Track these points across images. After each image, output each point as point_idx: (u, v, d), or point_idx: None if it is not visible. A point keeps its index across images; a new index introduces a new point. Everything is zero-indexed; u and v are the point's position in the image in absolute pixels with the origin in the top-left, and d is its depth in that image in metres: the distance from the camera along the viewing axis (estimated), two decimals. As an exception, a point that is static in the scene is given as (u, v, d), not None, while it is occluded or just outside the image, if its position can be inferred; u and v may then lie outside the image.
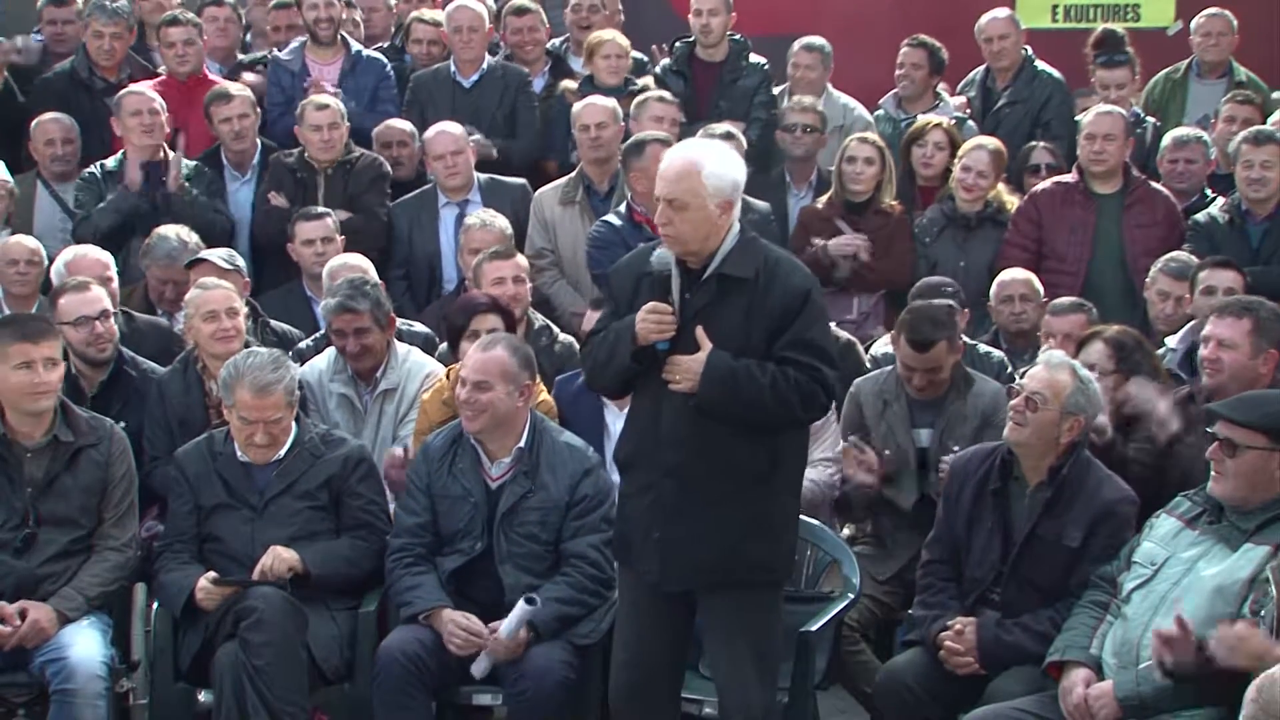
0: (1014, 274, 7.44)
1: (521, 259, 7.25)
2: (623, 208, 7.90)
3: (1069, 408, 5.48)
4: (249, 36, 9.86)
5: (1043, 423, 5.48)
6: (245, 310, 6.75)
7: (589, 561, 5.79)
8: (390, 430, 6.69)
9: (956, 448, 6.22)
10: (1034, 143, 8.76)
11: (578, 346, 7.09)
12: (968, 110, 9.29)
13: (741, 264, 5.10)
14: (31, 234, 8.00)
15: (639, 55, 9.49)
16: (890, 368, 6.69)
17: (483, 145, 8.75)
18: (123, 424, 6.26)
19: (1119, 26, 9.84)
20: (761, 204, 8.11)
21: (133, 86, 8.56)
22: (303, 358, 6.81)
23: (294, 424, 6.01)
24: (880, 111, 9.39)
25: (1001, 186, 8.28)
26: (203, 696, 5.77)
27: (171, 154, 8.23)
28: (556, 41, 9.85)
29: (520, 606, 5.59)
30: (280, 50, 9.31)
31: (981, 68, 9.50)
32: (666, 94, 8.63)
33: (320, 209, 7.96)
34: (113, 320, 6.67)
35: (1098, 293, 7.59)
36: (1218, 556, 5.00)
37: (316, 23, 9.12)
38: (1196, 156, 8.33)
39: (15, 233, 7.88)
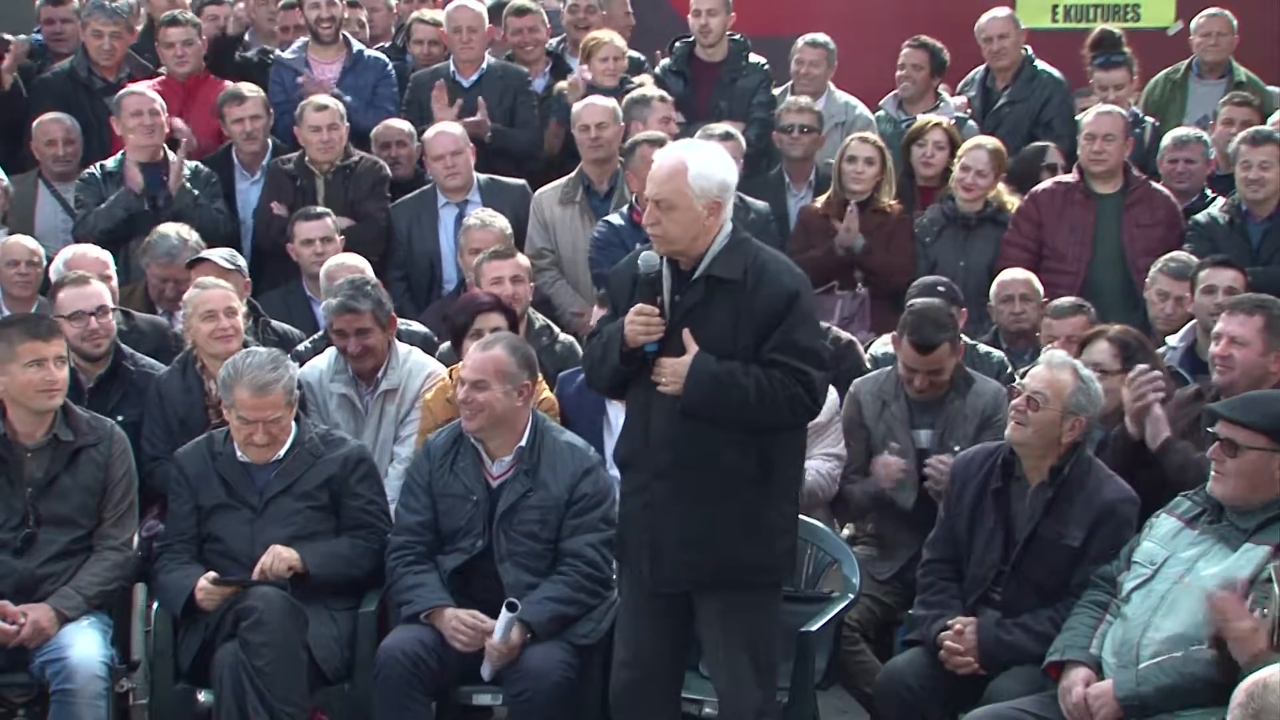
0: (1014, 274, 7.44)
1: (522, 258, 7.26)
2: (625, 208, 7.91)
3: (1070, 407, 5.48)
4: (249, 35, 9.85)
5: (1044, 422, 5.47)
6: (244, 310, 6.75)
7: (586, 560, 5.78)
8: (391, 430, 6.69)
9: (957, 448, 6.23)
10: (1045, 143, 8.75)
11: (578, 346, 7.11)
12: (968, 110, 9.28)
13: (729, 265, 5.09)
14: (33, 234, 8.01)
15: (635, 54, 9.49)
16: (889, 368, 6.69)
17: (473, 123, 8.71)
18: (120, 418, 6.27)
19: (1119, 26, 9.84)
20: (761, 204, 8.11)
21: (132, 86, 8.56)
22: (301, 359, 6.80)
23: (294, 424, 6.01)
24: (881, 112, 9.39)
25: (1001, 186, 8.28)
26: (203, 696, 5.76)
27: (172, 155, 8.23)
28: (554, 42, 9.85)
29: (504, 614, 5.59)
30: (283, 50, 9.32)
31: (981, 68, 9.50)
32: (659, 91, 8.63)
33: (320, 209, 7.96)
34: (110, 317, 6.67)
35: (1098, 293, 7.59)
36: (1217, 556, 4.99)
37: (318, 22, 9.13)
38: (1196, 156, 8.33)
39: (15, 233, 7.88)
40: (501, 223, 7.72)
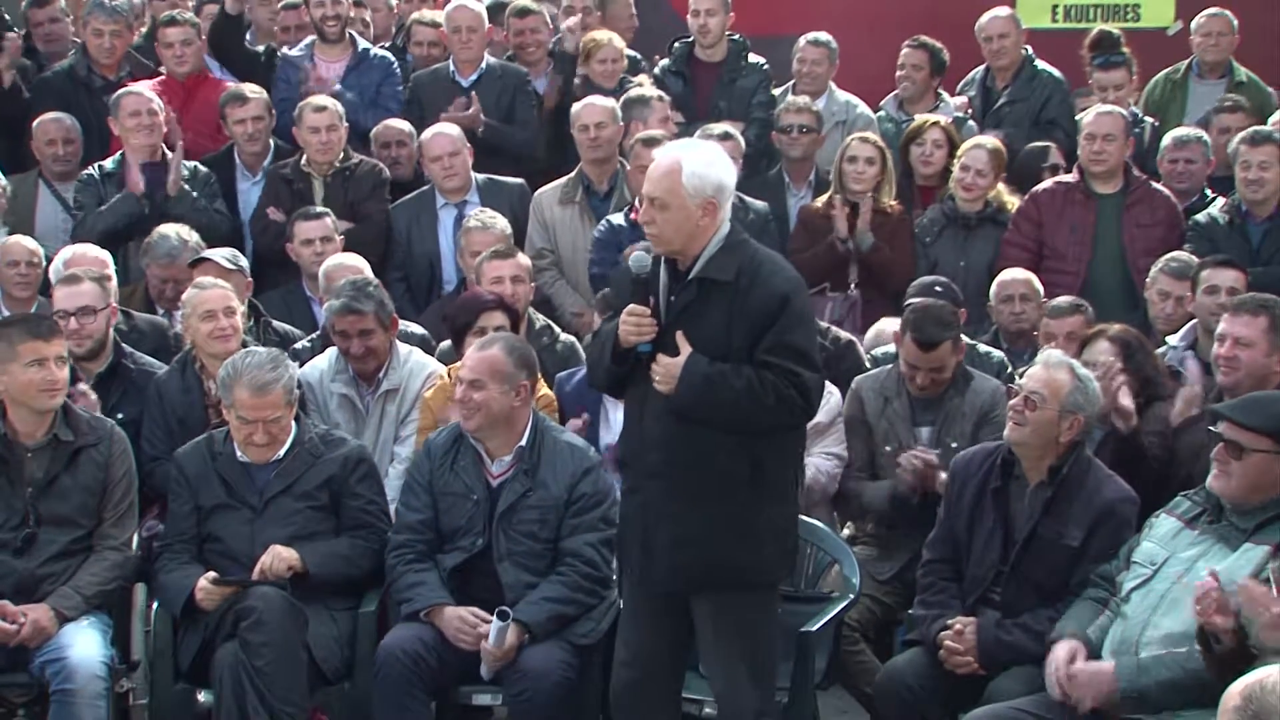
0: (1014, 274, 7.44)
1: (523, 258, 7.26)
2: (625, 209, 7.91)
3: (1068, 406, 5.48)
4: (249, 36, 9.85)
5: (1042, 422, 5.47)
6: (243, 310, 6.75)
7: (584, 560, 5.78)
8: (392, 431, 6.70)
9: (955, 444, 6.23)
10: (1046, 143, 8.75)
11: (579, 346, 7.11)
12: (968, 110, 9.29)
13: (723, 266, 5.08)
14: (33, 234, 8.01)
15: (633, 54, 9.49)
16: (890, 365, 6.69)
17: (466, 117, 8.70)
18: (119, 415, 6.27)
19: (1118, 27, 9.84)
20: (760, 204, 8.11)
21: (131, 86, 8.56)
22: (300, 359, 6.80)
23: (294, 424, 6.01)
24: (881, 113, 9.40)
25: (1001, 186, 8.28)
26: (202, 696, 5.76)
27: (170, 155, 8.22)
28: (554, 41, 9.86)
29: (494, 623, 5.59)
30: (289, 50, 9.32)
31: (981, 67, 9.50)
32: (658, 91, 8.63)
33: (319, 209, 7.96)
34: (98, 317, 6.64)
35: (1098, 293, 7.59)
36: (1217, 556, 4.99)
37: (323, 20, 9.13)
38: (1196, 156, 8.33)
39: (15, 233, 7.88)
40: (502, 224, 7.71)
